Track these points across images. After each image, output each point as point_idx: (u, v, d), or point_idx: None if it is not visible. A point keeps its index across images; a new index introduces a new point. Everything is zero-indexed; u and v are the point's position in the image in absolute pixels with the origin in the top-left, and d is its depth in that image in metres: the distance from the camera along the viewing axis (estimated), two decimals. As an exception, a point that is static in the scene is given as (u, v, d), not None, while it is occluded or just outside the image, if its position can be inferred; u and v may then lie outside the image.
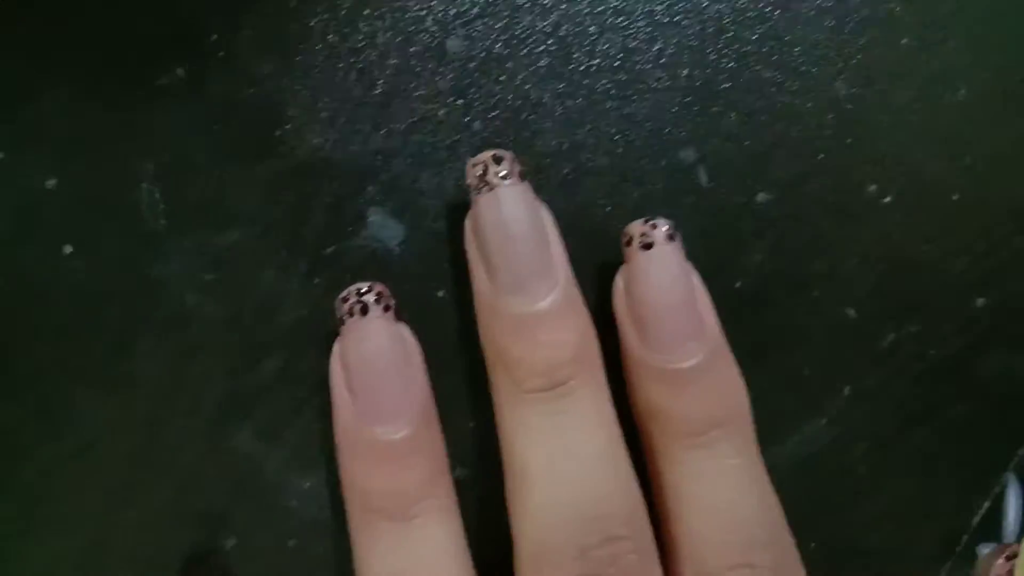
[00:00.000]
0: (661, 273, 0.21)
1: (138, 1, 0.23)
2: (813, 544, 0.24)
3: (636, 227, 0.22)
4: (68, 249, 0.23)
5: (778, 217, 0.24)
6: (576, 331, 0.21)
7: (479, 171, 0.21)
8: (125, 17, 0.23)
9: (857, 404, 0.25)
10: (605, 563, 0.20)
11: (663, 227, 0.21)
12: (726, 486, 0.21)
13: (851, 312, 0.24)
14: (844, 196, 0.24)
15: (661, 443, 0.21)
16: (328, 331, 0.24)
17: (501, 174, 0.21)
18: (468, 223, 0.22)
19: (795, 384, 0.24)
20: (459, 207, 0.24)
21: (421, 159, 0.24)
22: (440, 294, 0.24)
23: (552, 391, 0.21)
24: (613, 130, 0.24)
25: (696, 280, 0.22)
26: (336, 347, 0.22)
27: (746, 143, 0.24)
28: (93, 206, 0.23)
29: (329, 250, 0.24)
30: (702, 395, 0.21)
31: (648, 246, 0.21)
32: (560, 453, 0.21)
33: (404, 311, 0.22)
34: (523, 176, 0.21)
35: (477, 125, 0.24)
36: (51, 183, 0.23)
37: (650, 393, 0.21)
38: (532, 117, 0.24)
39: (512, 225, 0.21)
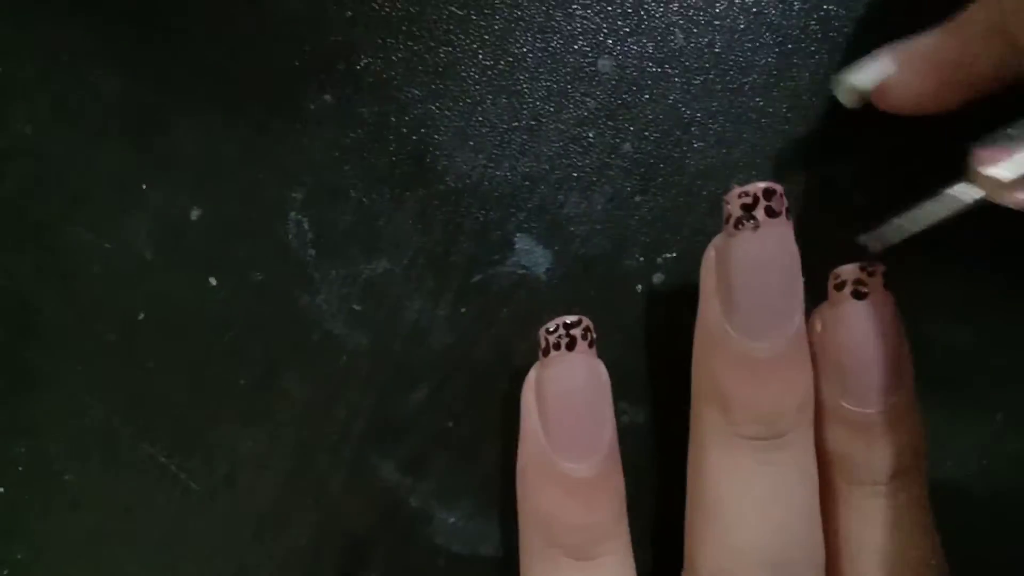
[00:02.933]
0: (872, 326, 0.20)
1: (286, 26, 0.23)
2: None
3: (850, 272, 0.21)
4: (213, 280, 0.23)
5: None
6: (803, 383, 0.20)
7: (746, 201, 0.20)
8: (271, 42, 0.23)
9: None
10: None
11: (879, 274, 0.20)
12: (898, 532, 0.21)
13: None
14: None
15: (840, 487, 0.21)
16: (475, 359, 0.24)
17: (771, 211, 0.20)
18: (713, 251, 0.21)
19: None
20: (607, 230, 0.23)
21: (569, 183, 0.23)
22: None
23: (769, 440, 0.20)
24: (768, 148, 0.23)
25: (902, 331, 0.21)
26: (533, 376, 0.21)
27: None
28: (239, 236, 0.23)
29: (476, 278, 0.23)
30: (888, 445, 0.20)
31: (861, 295, 0.20)
32: (763, 501, 0.20)
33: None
34: (789, 214, 0.20)
35: (627, 147, 0.23)
36: (195, 213, 0.23)
37: (837, 438, 0.21)
38: (684, 137, 0.23)
39: (772, 269, 0.20)
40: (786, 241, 0.20)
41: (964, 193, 0.18)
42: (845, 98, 0.22)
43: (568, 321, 0.21)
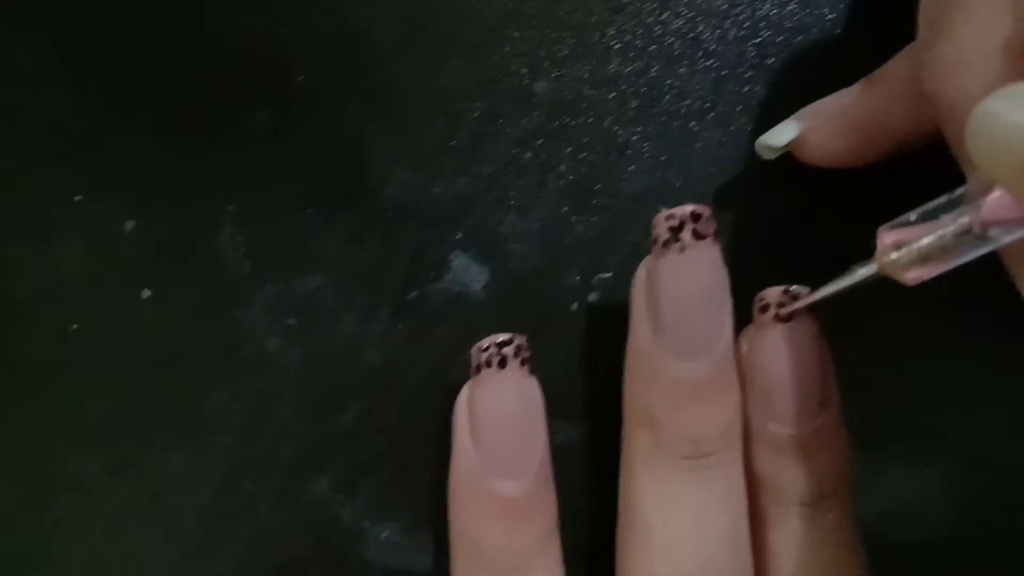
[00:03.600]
0: (796, 349, 0.21)
1: (222, 43, 0.23)
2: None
3: (773, 295, 0.21)
4: (146, 293, 0.23)
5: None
6: (731, 405, 0.21)
7: (673, 224, 0.20)
8: (209, 59, 0.23)
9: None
10: None
11: (803, 298, 0.21)
12: (825, 553, 0.21)
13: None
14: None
15: (767, 509, 0.21)
16: (410, 376, 0.23)
17: (697, 233, 0.20)
18: (642, 273, 0.21)
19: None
20: (543, 250, 0.23)
21: (506, 203, 0.23)
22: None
23: (696, 460, 0.20)
24: (702, 172, 0.23)
25: (827, 354, 0.21)
26: (464, 394, 0.21)
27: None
28: (173, 250, 0.23)
29: (412, 295, 0.23)
30: (814, 466, 0.21)
31: (785, 319, 0.21)
32: (692, 522, 0.20)
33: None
34: (717, 237, 0.20)
35: (563, 167, 0.23)
36: (130, 225, 0.23)
37: (763, 460, 0.21)
38: (620, 160, 0.23)
39: (698, 291, 0.20)
40: (713, 263, 0.20)
41: (869, 270, 0.19)
42: (764, 153, 0.23)
43: (500, 340, 0.21)
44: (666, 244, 0.20)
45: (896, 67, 0.21)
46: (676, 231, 0.20)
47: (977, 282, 0.24)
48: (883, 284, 0.20)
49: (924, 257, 0.18)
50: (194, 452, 0.23)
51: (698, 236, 0.20)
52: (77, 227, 0.23)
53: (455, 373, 0.23)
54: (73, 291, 0.23)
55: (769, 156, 0.23)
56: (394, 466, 0.23)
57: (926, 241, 0.18)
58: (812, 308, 0.21)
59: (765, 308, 0.21)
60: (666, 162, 0.23)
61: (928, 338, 0.24)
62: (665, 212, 0.20)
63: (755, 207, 0.24)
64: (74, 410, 0.23)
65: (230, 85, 0.23)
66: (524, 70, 0.23)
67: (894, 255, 0.18)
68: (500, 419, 0.21)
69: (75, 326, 0.23)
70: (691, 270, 0.20)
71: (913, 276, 0.18)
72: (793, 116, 0.22)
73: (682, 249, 0.20)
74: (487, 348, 0.21)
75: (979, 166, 0.16)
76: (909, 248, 0.18)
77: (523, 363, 0.21)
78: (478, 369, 0.21)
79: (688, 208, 0.20)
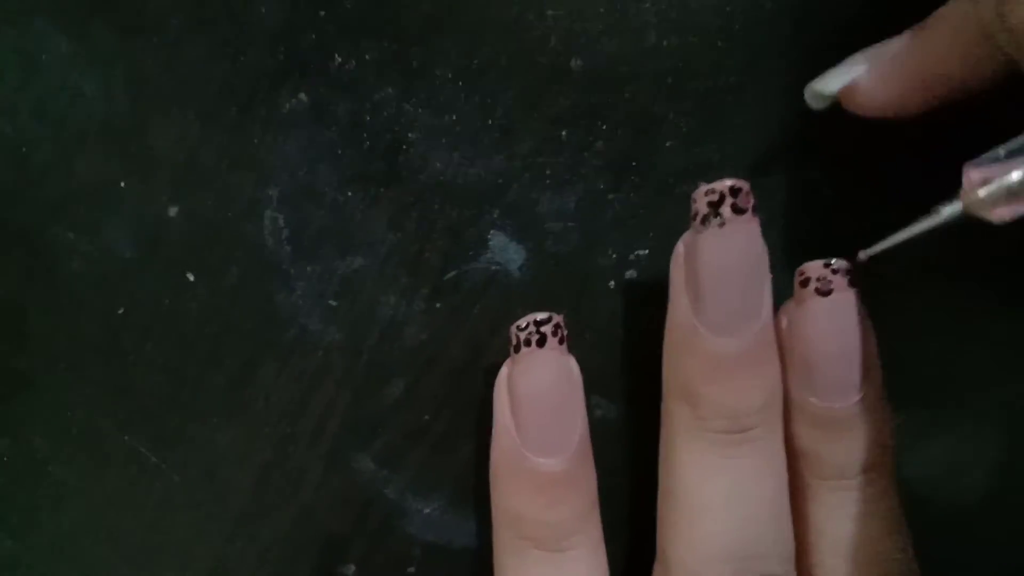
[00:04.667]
0: (836, 323, 0.21)
1: (260, 27, 0.23)
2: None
3: (814, 269, 0.21)
4: (191, 276, 0.23)
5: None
6: (770, 379, 0.21)
7: (713, 199, 0.20)
8: (246, 43, 0.23)
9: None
10: None
11: (843, 271, 0.21)
12: (865, 526, 0.21)
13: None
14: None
15: (808, 481, 0.21)
16: (450, 355, 0.24)
17: (736, 207, 0.20)
18: (681, 248, 0.21)
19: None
20: (580, 228, 0.23)
21: (542, 181, 0.23)
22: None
23: (735, 434, 0.20)
24: (739, 147, 0.23)
25: (868, 328, 0.21)
26: (504, 373, 0.22)
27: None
28: (216, 233, 0.23)
29: (451, 274, 0.23)
30: (855, 440, 0.21)
31: (826, 292, 0.21)
32: (733, 495, 0.20)
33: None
34: (756, 211, 0.20)
35: (600, 145, 0.23)
36: (173, 211, 0.23)
37: (804, 434, 0.21)
38: (656, 136, 0.23)
39: (738, 265, 0.20)
40: (753, 237, 0.20)
41: (954, 208, 0.19)
42: (813, 102, 0.22)
43: (539, 318, 0.21)
44: (705, 219, 0.20)
45: (952, 11, 0.20)
46: (715, 206, 0.20)
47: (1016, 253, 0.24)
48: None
49: (1013, 194, 0.17)
50: (241, 430, 0.24)
51: (737, 210, 0.20)
52: (122, 213, 0.23)
53: (493, 352, 0.24)
54: (120, 275, 0.24)
55: (818, 106, 0.22)
56: (435, 443, 0.24)
57: (1016, 176, 0.17)
58: (854, 281, 0.21)
59: (806, 282, 0.21)
60: (702, 138, 0.23)
61: (965, 310, 0.24)
62: (704, 187, 0.20)
63: (793, 181, 0.23)
64: (124, 390, 0.24)
65: (267, 70, 0.23)
66: (559, 47, 0.23)
67: (982, 192, 0.18)
68: (539, 397, 0.21)
69: (122, 310, 0.24)
70: (731, 244, 0.20)
71: (1001, 213, 0.18)
72: (844, 62, 0.21)
73: (722, 224, 0.20)
74: (525, 327, 0.21)
75: None
76: (999, 183, 0.17)
77: (561, 341, 0.21)
78: (517, 348, 0.21)
79: (727, 182, 0.20)
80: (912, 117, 0.21)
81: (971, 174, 0.18)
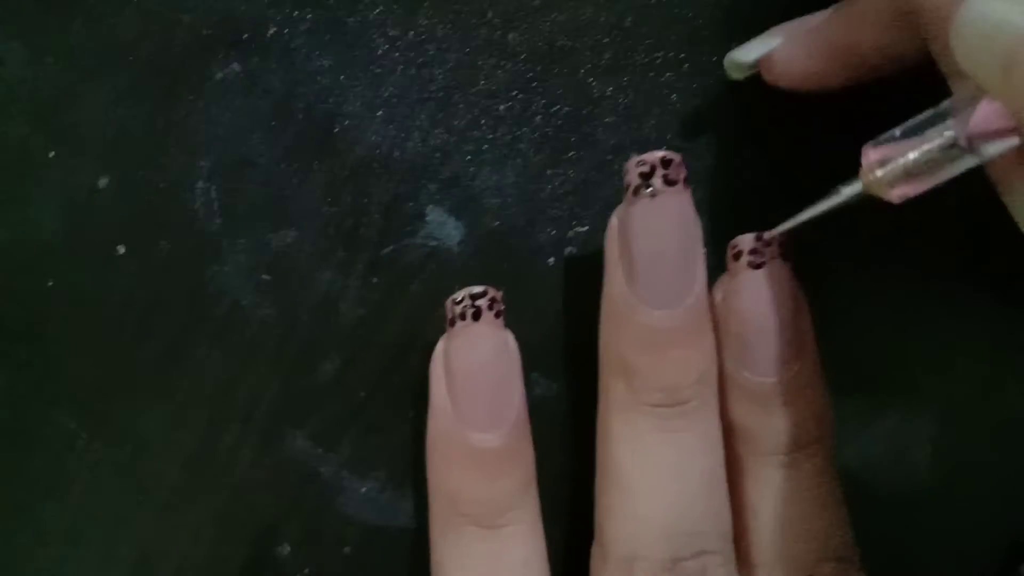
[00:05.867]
0: (769, 296, 0.21)
1: (192, -4, 0.22)
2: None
3: (746, 242, 0.21)
4: (121, 249, 0.23)
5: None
6: (705, 352, 0.21)
7: (643, 170, 0.20)
8: (179, 11, 0.22)
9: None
10: (695, 573, 0.20)
11: (775, 244, 0.21)
12: (801, 503, 0.21)
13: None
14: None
15: (744, 459, 0.21)
16: (388, 332, 0.24)
17: (667, 179, 0.20)
18: (615, 220, 0.21)
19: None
20: (519, 203, 0.23)
21: (480, 156, 0.23)
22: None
23: (671, 408, 0.20)
24: (677, 123, 0.23)
25: (801, 301, 0.21)
26: (440, 348, 0.21)
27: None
28: (146, 205, 0.23)
29: (387, 249, 0.23)
30: (790, 416, 0.21)
31: (758, 265, 0.21)
32: (669, 470, 0.20)
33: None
34: (687, 183, 0.20)
35: (538, 120, 0.23)
36: (103, 182, 0.23)
37: (739, 409, 0.21)
38: (595, 111, 0.23)
39: (670, 237, 0.20)
40: (685, 208, 0.20)
41: (854, 188, 0.19)
42: (732, 72, 0.22)
43: (474, 292, 0.21)
44: (637, 191, 0.20)
45: None
46: (647, 177, 0.20)
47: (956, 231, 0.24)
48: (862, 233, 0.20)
49: (910, 173, 0.18)
50: (172, 407, 0.23)
51: (669, 182, 0.20)
52: (50, 185, 0.23)
53: (431, 328, 0.23)
54: (48, 248, 0.23)
55: (737, 75, 0.22)
56: (372, 421, 0.24)
57: (912, 156, 0.17)
58: (786, 255, 0.21)
59: (738, 255, 0.21)
60: (641, 114, 0.23)
61: (908, 293, 0.24)
62: (636, 158, 0.20)
63: (729, 157, 0.23)
64: (51, 367, 0.23)
65: (200, 38, 0.23)
66: (497, 19, 0.23)
67: (879, 172, 0.18)
68: (476, 371, 0.21)
69: (51, 283, 0.23)
70: (662, 216, 0.20)
71: (899, 193, 0.18)
72: (764, 33, 0.22)
73: (653, 195, 0.20)
74: (461, 300, 0.21)
75: (965, 69, 0.16)
76: (895, 164, 0.18)
77: (497, 315, 0.21)
78: (452, 322, 0.21)
79: (658, 154, 0.20)
80: (833, 90, 0.21)
81: (869, 154, 0.18)
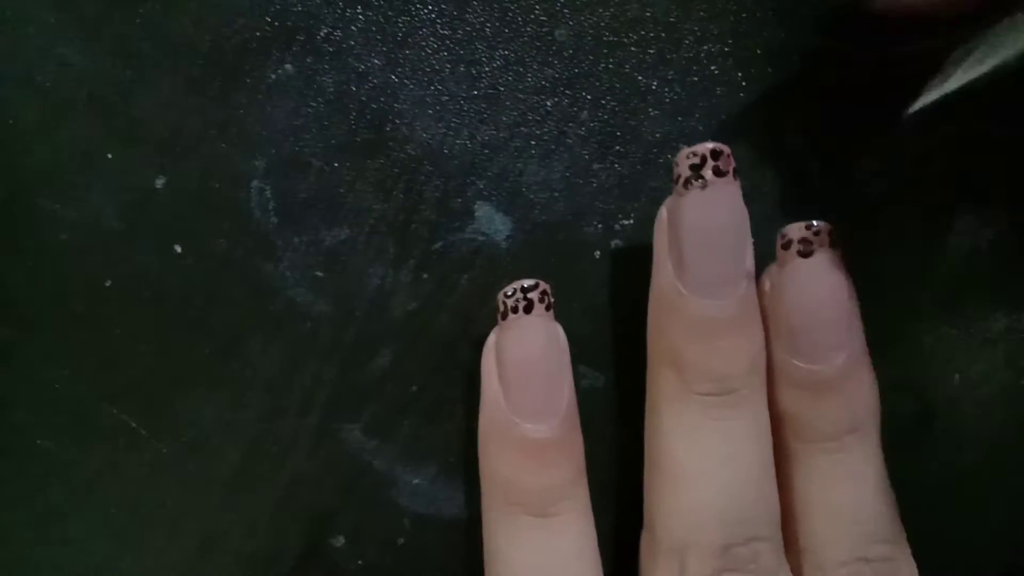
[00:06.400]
0: (819, 284, 0.21)
1: (245, -2, 0.23)
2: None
3: (796, 231, 0.21)
4: (178, 248, 0.23)
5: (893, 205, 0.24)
6: (755, 341, 0.21)
7: (694, 161, 0.20)
8: (233, 13, 0.23)
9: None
10: (747, 560, 0.20)
11: (825, 233, 0.21)
12: (850, 489, 0.21)
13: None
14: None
15: (792, 445, 0.21)
16: (439, 326, 0.24)
17: (718, 170, 0.20)
18: (664, 212, 0.21)
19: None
20: (566, 198, 0.24)
21: (528, 151, 0.23)
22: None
23: (721, 397, 0.21)
24: (724, 117, 0.23)
25: (850, 289, 0.21)
26: (492, 341, 0.22)
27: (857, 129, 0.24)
28: (202, 204, 0.23)
29: (438, 245, 0.24)
30: (840, 403, 0.21)
31: (807, 254, 0.21)
32: (720, 458, 0.21)
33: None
34: (736, 175, 0.20)
35: (585, 115, 0.23)
36: (159, 182, 0.23)
37: (788, 397, 0.21)
38: (641, 105, 0.23)
39: (720, 228, 0.20)
40: (734, 200, 0.20)
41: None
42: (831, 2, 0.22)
43: (525, 285, 0.21)
44: (687, 182, 0.20)
45: None
46: (697, 168, 0.20)
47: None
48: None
49: None
50: (229, 402, 0.24)
51: (719, 173, 0.20)
52: (109, 183, 0.23)
53: (481, 322, 0.24)
54: (105, 246, 0.23)
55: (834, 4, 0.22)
56: (424, 413, 0.24)
57: None
58: (835, 243, 0.21)
59: (787, 244, 0.21)
60: (687, 107, 0.23)
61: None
62: (686, 150, 0.20)
63: (776, 149, 0.24)
64: (110, 362, 0.24)
65: (253, 39, 0.23)
66: (544, 17, 0.23)
67: None
68: (527, 362, 0.21)
69: (108, 281, 0.24)
70: (712, 207, 0.20)
71: None
72: None
73: (703, 186, 0.20)
74: (512, 294, 0.21)
75: None
76: None
77: (548, 307, 0.22)
78: (504, 315, 0.22)
79: (708, 145, 0.20)
80: (932, 26, 0.21)
81: None
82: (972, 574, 0.25)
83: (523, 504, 0.21)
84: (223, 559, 0.24)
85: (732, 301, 0.20)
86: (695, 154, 0.20)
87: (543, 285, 0.22)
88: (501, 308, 0.22)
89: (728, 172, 0.20)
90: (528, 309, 0.21)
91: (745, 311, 0.21)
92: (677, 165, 0.20)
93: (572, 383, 0.22)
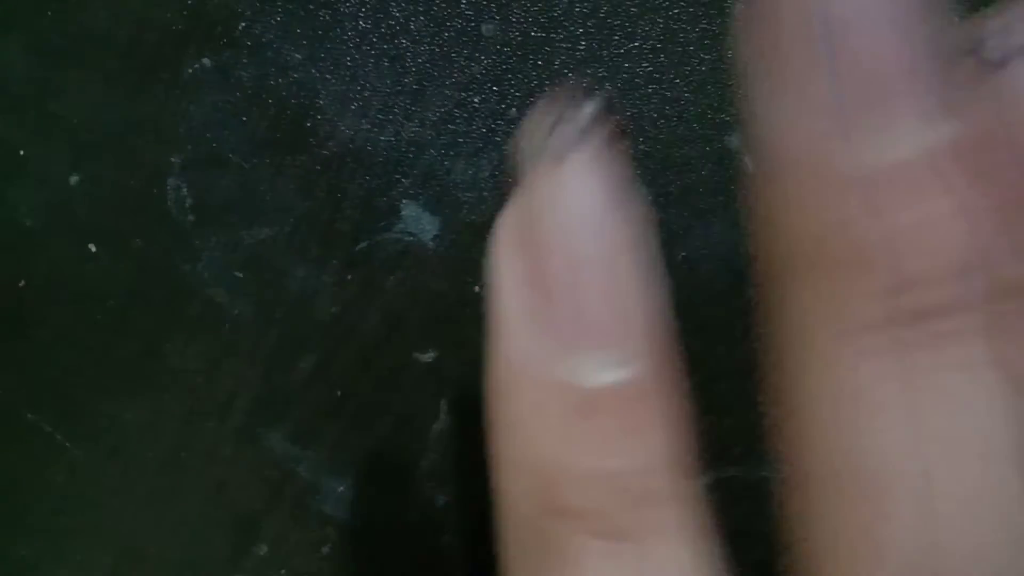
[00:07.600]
0: None
1: (163, -10, 0.22)
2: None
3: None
4: (93, 247, 0.23)
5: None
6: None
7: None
8: (149, 6, 0.22)
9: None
10: None
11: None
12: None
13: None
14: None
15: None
16: (364, 329, 0.23)
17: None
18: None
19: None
20: (495, 197, 0.23)
21: (455, 149, 0.23)
22: (476, 289, 0.23)
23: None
24: (655, 115, 0.23)
25: None
26: (511, 217, 0.12)
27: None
28: (118, 202, 0.23)
29: (362, 245, 0.23)
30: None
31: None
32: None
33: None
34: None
35: (513, 112, 0.23)
36: (74, 179, 0.23)
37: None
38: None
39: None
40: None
41: None
42: None
43: (584, 103, 0.12)
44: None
45: None
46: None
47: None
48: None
49: None
50: (149, 405, 0.23)
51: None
52: (22, 182, 0.23)
53: (408, 324, 0.23)
54: (20, 245, 0.23)
55: None
56: (350, 419, 0.23)
57: None
58: None
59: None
60: (618, 105, 0.23)
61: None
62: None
63: (711, 147, 0.23)
64: (25, 366, 0.23)
65: (170, 33, 0.22)
66: (469, 11, 0.22)
67: None
68: (579, 243, 0.11)
69: (23, 282, 0.23)
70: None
71: None
72: None
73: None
74: (561, 117, 0.12)
75: None
76: None
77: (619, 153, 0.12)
78: (546, 159, 0.12)
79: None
80: None
81: None
82: None
83: (582, 516, 0.11)
84: (144, 566, 0.23)
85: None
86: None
87: (616, 104, 0.12)
88: (540, 148, 0.12)
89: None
90: (586, 150, 0.11)
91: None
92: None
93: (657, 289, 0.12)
